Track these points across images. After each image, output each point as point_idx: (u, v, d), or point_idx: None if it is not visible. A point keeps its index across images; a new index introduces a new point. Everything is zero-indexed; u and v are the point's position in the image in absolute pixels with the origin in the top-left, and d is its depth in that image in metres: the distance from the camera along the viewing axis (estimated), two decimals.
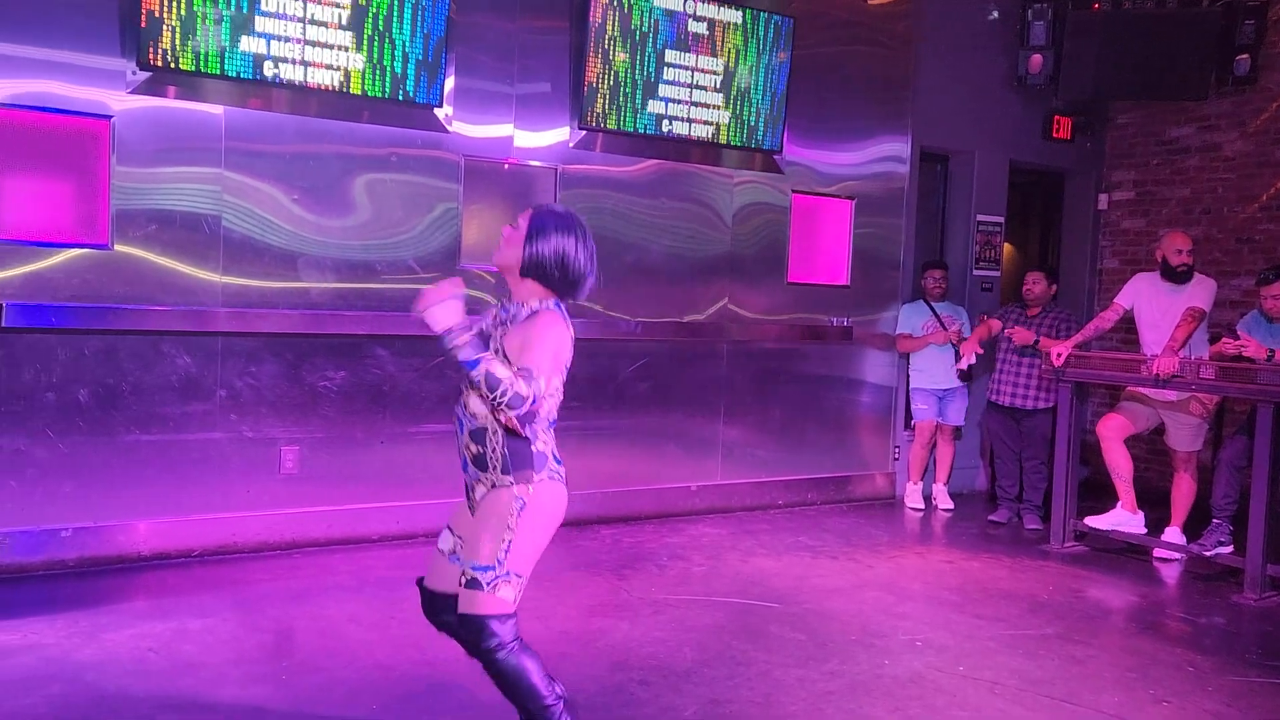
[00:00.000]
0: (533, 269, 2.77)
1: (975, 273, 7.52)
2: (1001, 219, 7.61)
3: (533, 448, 2.78)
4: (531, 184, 5.76)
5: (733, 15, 6.06)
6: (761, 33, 6.16)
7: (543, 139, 5.69)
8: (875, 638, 4.24)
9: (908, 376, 7.04)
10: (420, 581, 3.00)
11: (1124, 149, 7.96)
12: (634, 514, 6.10)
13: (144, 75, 4.64)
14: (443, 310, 2.59)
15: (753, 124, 6.23)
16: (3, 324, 4.39)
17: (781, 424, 6.66)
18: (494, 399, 2.56)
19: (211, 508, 4.94)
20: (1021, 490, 6.62)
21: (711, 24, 6.01)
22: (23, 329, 4.47)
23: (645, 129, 5.88)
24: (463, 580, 2.75)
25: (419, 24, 5.11)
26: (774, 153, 6.40)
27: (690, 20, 5.93)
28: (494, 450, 2.76)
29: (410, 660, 3.76)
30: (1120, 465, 5.79)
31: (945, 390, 6.87)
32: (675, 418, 6.26)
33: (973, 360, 6.55)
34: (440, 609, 2.95)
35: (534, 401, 2.61)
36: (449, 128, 5.40)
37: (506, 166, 5.65)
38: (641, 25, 5.78)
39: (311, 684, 3.52)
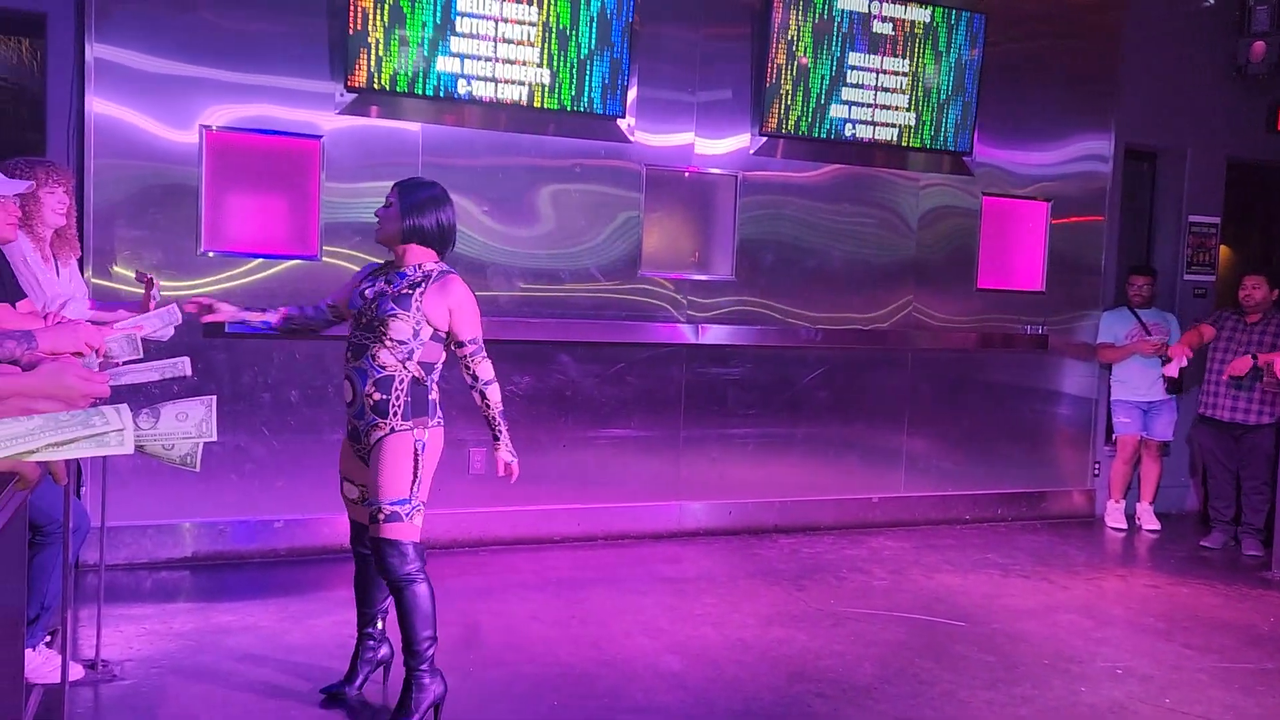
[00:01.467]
0: (413, 235, 3.18)
1: (1187, 278, 7.02)
2: (1217, 220, 7.07)
3: (430, 397, 3.18)
4: (712, 191, 5.78)
5: (920, 14, 5.90)
6: (951, 30, 5.97)
7: (723, 146, 5.71)
8: (1071, 663, 4.01)
9: (1109, 388, 6.64)
10: (351, 516, 3.43)
11: None
12: (812, 524, 6.01)
13: (350, 96, 4.95)
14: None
15: (940, 125, 6.05)
16: (226, 330, 4.77)
17: (969, 435, 6.41)
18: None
19: None
20: (1239, 513, 6.12)
21: (897, 24, 5.87)
22: (243, 335, 4.84)
23: (827, 133, 5.80)
24: (381, 515, 3.09)
25: (603, 37, 5.23)
26: (963, 154, 6.18)
27: (875, 21, 5.81)
28: (397, 399, 3.13)
29: (590, 659, 3.83)
30: None
31: (1150, 403, 6.43)
32: (856, 427, 6.13)
33: (1183, 363, 6.08)
34: (364, 539, 3.32)
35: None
36: (631, 138, 5.50)
37: (687, 175, 5.70)
38: (824, 29, 5.71)
39: (495, 677, 3.64)
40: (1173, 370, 6.14)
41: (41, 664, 3.29)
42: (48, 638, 3.46)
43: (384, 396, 3.12)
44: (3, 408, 1.52)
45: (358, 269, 5.01)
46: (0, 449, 1.31)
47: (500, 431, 3.27)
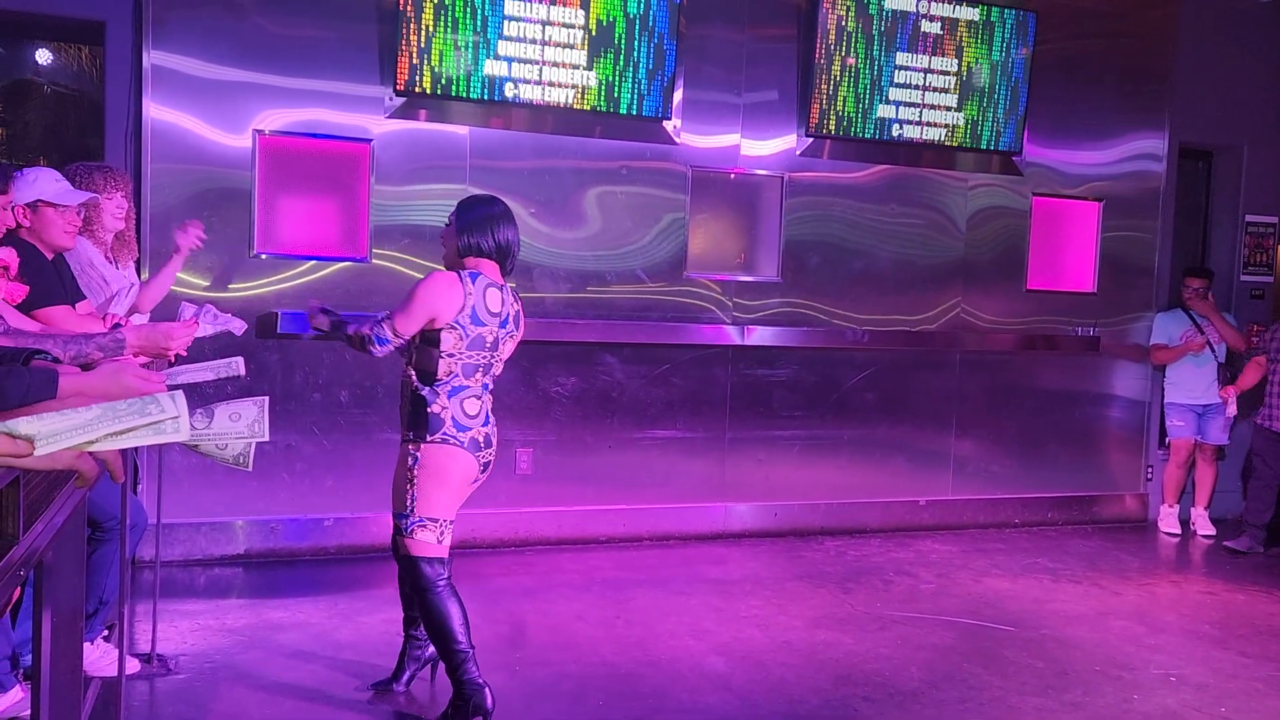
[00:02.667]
0: (469, 250, 3.23)
1: (1243, 278, 6.87)
2: (1275, 219, 6.90)
3: (429, 410, 3.13)
4: (757, 193, 5.77)
5: (969, 13, 5.84)
6: (1000, 29, 5.90)
7: (769, 147, 5.69)
8: (1123, 670, 3.95)
9: (1163, 391, 6.52)
10: None
11: None
12: (859, 526, 5.97)
13: (399, 100, 5.01)
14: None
15: (989, 125, 5.98)
16: (279, 330, 4.86)
17: (1019, 438, 6.33)
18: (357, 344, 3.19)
19: None
20: (1275, 519, 5.98)
21: (945, 23, 5.81)
22: (296, 335, 4.92)
23: (874, 134, 5.76)
24: (399, 525, 3.17)
25: (649, 39, 5.24)
26: (1013, 154, 6.11)
27: (923, 20, 5.77)
28: (403, 407, 3.22)
29: (634, 660, 3.84)
30: None
31: (1205, 406, 6.30)
32: (903, 429, 6.08)
33: (1233, 411, 6.04)
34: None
35: (376, 339, 3.14)
36: (677, 139, 5.50)
37: (733, 176, 5.69)
38: (871, 29, 5.67)
39: (541, 676, 3.67)
40: (1231, 410, 6.08)
41: (99, 657, 3.37)
42: (106, 632, 3.54)
43: (402, 403, 3.25)
44: (63, 408, 1.56)
45: (405, 270, 5.10)
46: (61, 440, 1.33)
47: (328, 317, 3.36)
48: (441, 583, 3.14)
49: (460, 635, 3.12)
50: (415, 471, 3.14)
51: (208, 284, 4.82)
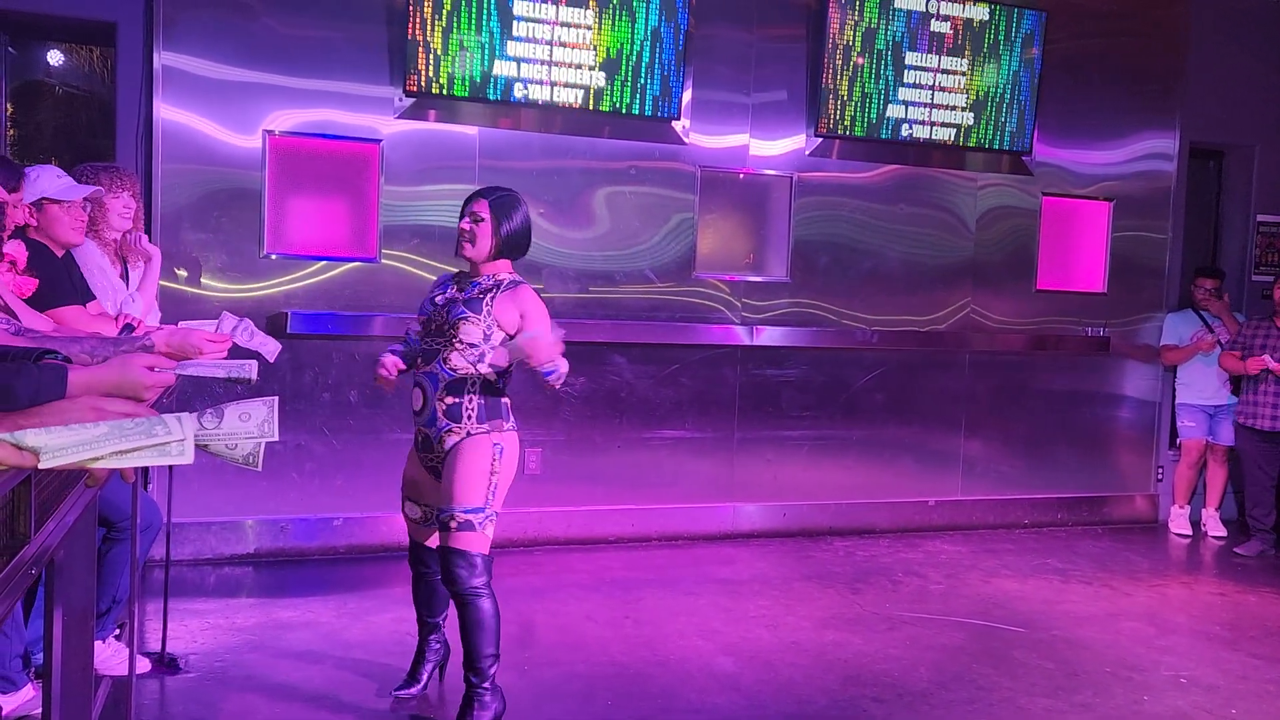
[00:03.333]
0: (506, 250, 3.19)
1: (1255, 279, 6.84)
2: None
3: (503, 400, 3.16)
4: (766, 193, 5.77)
5: (979, 12, 5.82)
6: (1011, 28, 5.89)
7: (778, 147, 5.69)
8: (1133, 671, 3.93)
9: (1173, 391, 6.49)
10: (410, 546, 3.37)
11: None
12: (868, 527, 5.96)
13: (409, 101, 5.02)
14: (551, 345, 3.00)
15: (999, 125, 5.96)
16: (288, 330, 4.87)
17: (1028, 439, 6.31)
18: (553, 381, 3.06)
19: None
20: (1278, 521, 5.95)
21: (955, 22, 5.80)
22: (305, 335, 4.93)
23: (883, 134, 5.76)
24: (453, 523, 3.02)
25: (658, 39, 5.24)
26: (1022, 154, 6.09)
27: (933, 20, 5.75)
28: (469, 401, 3.09)
29: (643, 659, 3.84)
30: None
31: (1216, 407, 6.27)
32: (912, 429, 6.07)
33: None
34: (424, 559, 3.31)
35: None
36: (686, 139, 5.50)
37: (742, 176, 5.69)
38: (880, 28, 5.66)
39: (550, 676, 3.67)
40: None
41: (110, 656, 3.39)
42: (117, 630, 3.55)
43: (456, 400, 3.08)
44: (73, 407, 1.56)
45: (416, 271, 5.11)
46: (66, 454, 1.35)
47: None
48: (488, 581, 3.07)
49: (497, 641, 3.09)
50: (500, 463, 3.07)
51: (218, 284, 4.84)
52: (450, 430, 3.09)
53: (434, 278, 5.13)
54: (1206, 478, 6.43)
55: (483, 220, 3.15)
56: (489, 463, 3.05)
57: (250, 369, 2.87)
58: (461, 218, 3.21)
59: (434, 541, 3.23)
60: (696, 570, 5.08)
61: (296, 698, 3.41)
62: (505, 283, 3.18)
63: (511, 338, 3.11)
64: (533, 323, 3.11)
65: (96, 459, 1.38)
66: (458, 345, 3.07)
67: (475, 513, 3.02)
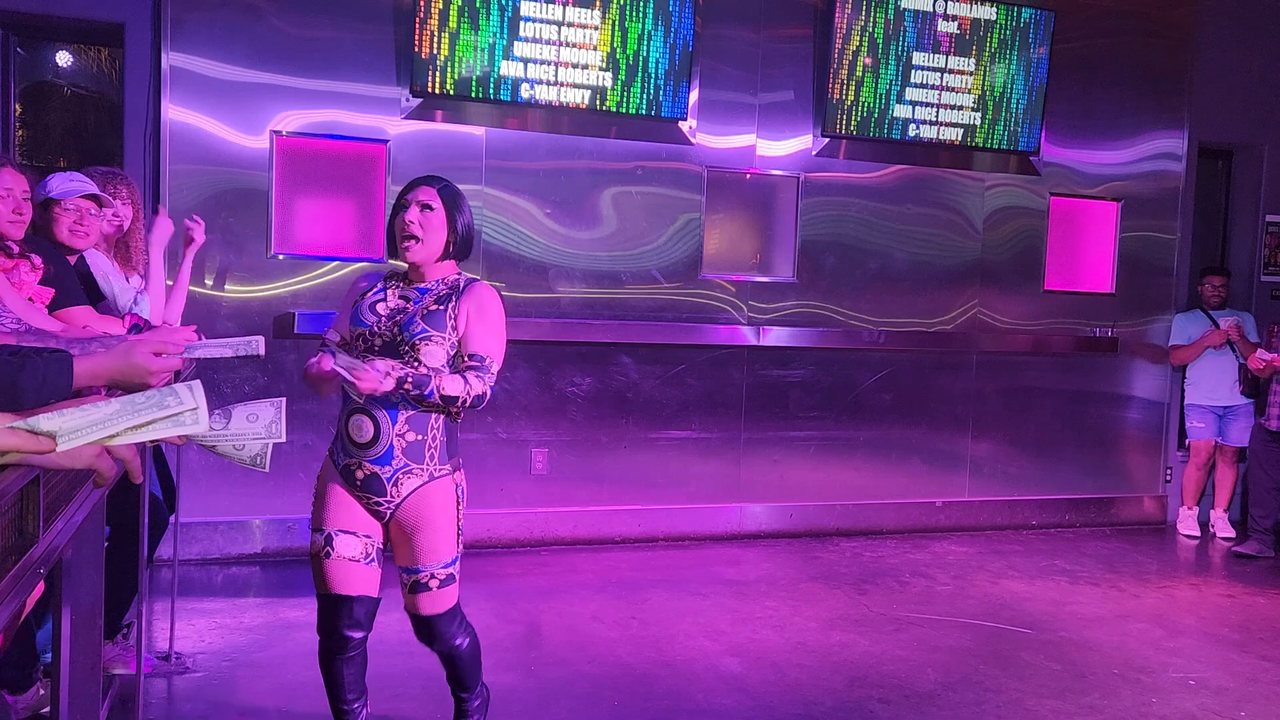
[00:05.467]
0: (460, 249, 2.69)
1: (1264, 279, 6.81)
2: None
3: (458, 434, 2.69)
4: (773, 193, 5.76)
5: (987, 12, 5.81)
6: (1019, 28, 5.87)
7: (785, 148, 5.68)
8: (1141, 673, 3.92)
9: (1182, 392, 6.46)
10: (329, 595, 2.65)
11: None
12: (875, 528, 5.95)
13: (416, 102, 5.03)
14: (371, 375, 2.42)
15: (1007, 125, 5.95)
16: (295, 330, 4.88)
17: (1036, 439, 6.30)
18: (457, 409, 2.56)
19: (470, 503, 5.26)
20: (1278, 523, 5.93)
21: (963, 22, 5.79)
22: (312, 336, 4.93)
23: (890, 134, 5.75)
24: (434, 583, 2.63)
25: (665, 40, 5.24)
26: (1030, 154, 6.08)
27: (940, 20, 5.74)
28: (433, 438, 2.61)
29: (650, 660, 3.84)
30: None
31: (1226, 407, 6.25)
32: (920, 430, 6.06)
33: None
34: (357, 615, 2.65)
35: (490, 391, 2.59)
36: (693, 140, 5.50)
37: (748, 176, 5.69)
38: (888, 28, 5.65)
39: (557, 676, 3.67)
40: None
41: (118, 655, 3.39)
42: (125, 630, 3.56)
43: (420, 437, 2.59)
44: (78, 394, 1.55)
45: None
46: (82, 435, 1.32)
47: (414, 377, 2.49)
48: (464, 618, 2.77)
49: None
50: (463, 505, 2.69)
51: (225, 285, 4.85)
52: (409, 471, 2.60)
53: None
54: (1215, 479, 6.40)
55: (433, 210, 2.63)
56: (454, 508, 2.66)
57: (258, 344, 2.82)
58: (401, 209, 2.65)
59: (364, 588, 2.65)
60: (703, 571, 5.07)
61: (303, 697, 3.41)
62: (462, 285, 2.67)
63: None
64: (488, 334, 2.62)
65: (113, 436, 1.34)
66: (419, 370, 2.55)
67: (453, 564, 2.66)
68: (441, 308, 2.61)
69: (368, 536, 2.66)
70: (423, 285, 2.68)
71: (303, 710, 3.32)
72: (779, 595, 4.71)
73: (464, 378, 2.55)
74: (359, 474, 2.62)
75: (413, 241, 2.62)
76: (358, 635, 2.67)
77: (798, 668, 3.82)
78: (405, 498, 2.61)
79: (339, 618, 2.64)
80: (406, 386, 2.48)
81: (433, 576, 2.64)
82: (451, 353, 2.61)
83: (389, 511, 2.64)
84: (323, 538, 2.65)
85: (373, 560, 2.67)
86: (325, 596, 2.66)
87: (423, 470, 2.61)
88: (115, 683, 3.28)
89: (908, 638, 4.21)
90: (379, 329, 2.61)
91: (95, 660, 2.30)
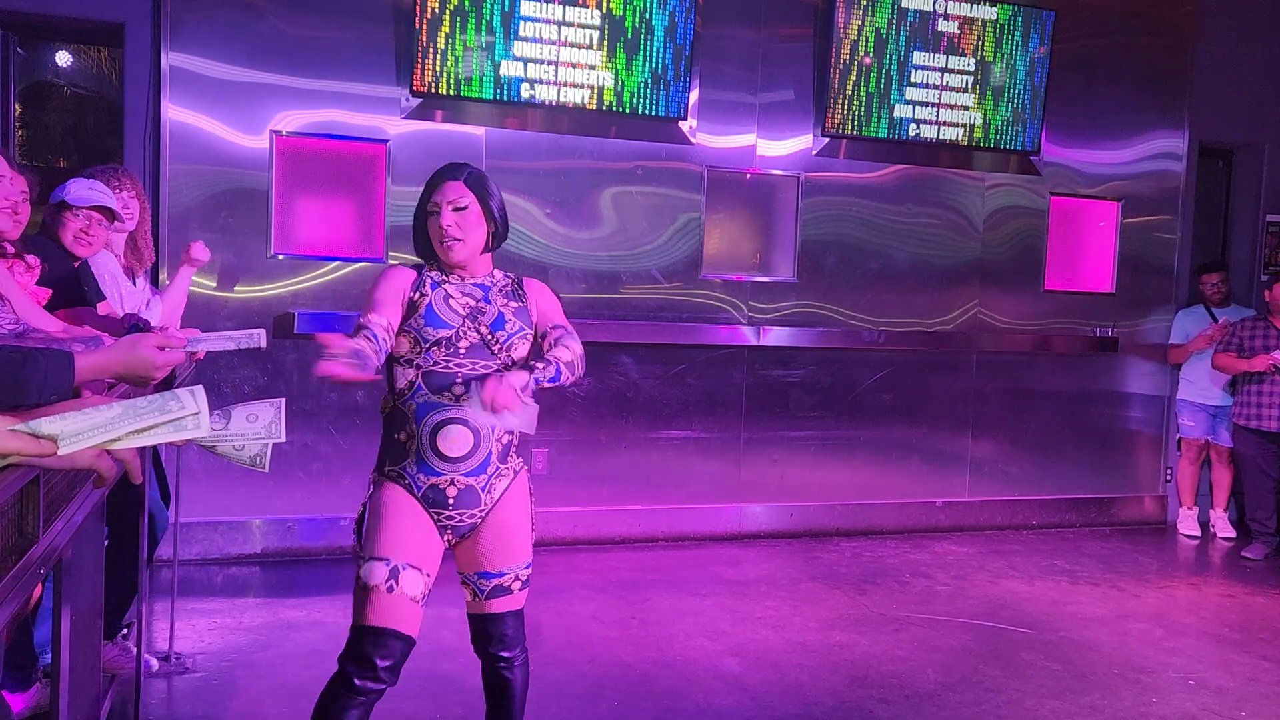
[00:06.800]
0: (503, 233, 2.54)
1: (1264, 278, 6.80)
2: None
3: None
4: (773, 193, 5.76)
5: (987, 11, 5.81)
6: (1019, 28, 5.87)
7: (785, 147, 5.68)
8: (1141, 673, 3.92)
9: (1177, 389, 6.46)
10: (377, 629, 2.37)
11: None
12: (875, 528, 5.95)
13: (415, 101, 5.02)
14: (515, 400, 2.31)
15: (1007, 124, 5.95)
16: (295, 330, 4.88)
17: (1036, 439, 6.29)
18: (572, 379, 2.49)
19: None
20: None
21: (963, 22, 5.79)
22: (312, 335, 4.93)
23: (890, 134, 5.74)
24: (517, 585, 2.49)
25: (665, 39, 5.24)
26: (1030, 154, 6.08)
27: (940, 19, 5.74)
28: (514, 434, 2.50)
29: (650, 661, 3.84)
30: None
31: (1219, 407, 6.20)
32: (920, 430, 6.06)
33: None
34: (397, 652, 2.38)
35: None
36: (693, 139, 5.50)
37: (749, 176, 5.68)
38: (888, 28, 5.65)
39: (557, 676, 3.67)
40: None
41: (118, 655, 3.39)
42: (125, 630, 3.56)
43: (509, 436, 2.49)
44: (81, 392, 1.55)
45: None
46: (83, 439, 1.32)
47: (540, 373, 2.40)
48: None
49: None
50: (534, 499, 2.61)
51: (226, 285, 4.84)
52: (499, 474, 2.47)
53: None
54: (1212, 479, 6.39)
55: (465, 207, 2.44)
56: (530, 503, 2.58)
57: (259, 337, 2.81)
58: (434, 215, 2.46)
59: (411, 628, 2.41)
60: (703, 571, 5.07)
61: (303, 697, 3.40)
62: (520, 281, 2.60)
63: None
64: (551, 311, 2.59)
65: (114, 440, 1.34)
66: (533, 366, 2.43)
67: (528, 567, 2.54)
68: (520, 304, 2.53)
69: (429, 576, 2.42)
70: (478, 281, 2.52)
71: (302, 710, 3.32)
72: (779, 595, 4.71)
73: (564, 346, 2.48)
74: (451, 491, 2.41)
75: (456, 243, 2.44)
76: (388, 677, 2.37)
77: (798, 668, 3.82)
78: (495, 503, 2.48)
79: (381, 648, 2.35)
80: (543, 386, 2.39)
81: (515, 578, 2.50)
82: (530, 346, 2.54)
83: (475, 522, 2.46)
84: (387, 569, 2.37)
85: (424, 602, 2.43)
86: (371, 629, 2.36)
87: (509, 470, 2.51)
88: (115, 683, 3.28)
89: (908, 638, 4.21)
90: (465, 331, 2.43)
91: (95, 660, 2.30)
